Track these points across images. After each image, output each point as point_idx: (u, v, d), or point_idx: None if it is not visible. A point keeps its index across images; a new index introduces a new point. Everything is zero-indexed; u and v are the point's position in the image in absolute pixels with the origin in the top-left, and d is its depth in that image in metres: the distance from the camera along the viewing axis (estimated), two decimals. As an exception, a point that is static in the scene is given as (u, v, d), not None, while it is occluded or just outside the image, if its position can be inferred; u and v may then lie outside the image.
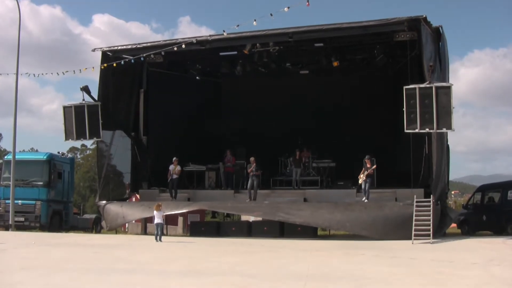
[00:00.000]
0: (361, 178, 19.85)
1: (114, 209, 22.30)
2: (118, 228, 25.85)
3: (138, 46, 22.86)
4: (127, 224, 30.60)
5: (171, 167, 22.38)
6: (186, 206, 21.52)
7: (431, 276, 10.24)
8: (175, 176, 22.37)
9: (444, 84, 18.03)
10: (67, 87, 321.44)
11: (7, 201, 24.77)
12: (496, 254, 14.01)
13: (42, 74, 41.21)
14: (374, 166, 19.88)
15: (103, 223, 22.92)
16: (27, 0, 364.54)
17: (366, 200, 19.59)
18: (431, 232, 16.51)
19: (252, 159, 21.64)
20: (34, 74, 57.14)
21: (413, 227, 16.82)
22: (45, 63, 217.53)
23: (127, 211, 22.04)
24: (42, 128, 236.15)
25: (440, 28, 19.67)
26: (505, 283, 9.53)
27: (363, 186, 19.86)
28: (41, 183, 25.68)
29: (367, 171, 19.71)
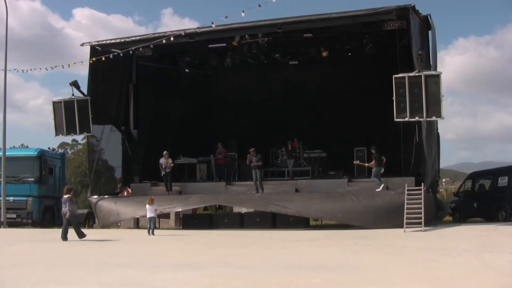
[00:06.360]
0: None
1: (107, 205, 21.94)
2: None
3: (127, 39, 22.70)
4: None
5: (162, 160, 22.29)
6: (179, 204, 21.24)
7: (423, 263, 10.32)
8: (168, 170, 22.30)
9: (433, 72, 18.07)
10: (52, 82, 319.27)
11: (-2, 198, 24.61)
12: (487, 241, 14.14)
13: (30, 70, 40.51)
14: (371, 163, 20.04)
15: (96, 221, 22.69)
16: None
17: (379, 189, 19.41)
18: (422, 220, 16.62)
19: (252, 150, 21.49)
20: (22, 70, 56.21)
21: (405, 215, 16.93)
22: (29, 58, 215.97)
23: (121, 208, 21.56)
24: (28, 123, 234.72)
25: (428, 17, 19.68)
26: (496, 270, 9.62)
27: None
28: (32, 179, 25.52)
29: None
